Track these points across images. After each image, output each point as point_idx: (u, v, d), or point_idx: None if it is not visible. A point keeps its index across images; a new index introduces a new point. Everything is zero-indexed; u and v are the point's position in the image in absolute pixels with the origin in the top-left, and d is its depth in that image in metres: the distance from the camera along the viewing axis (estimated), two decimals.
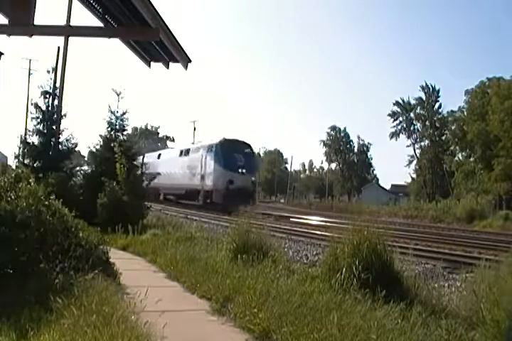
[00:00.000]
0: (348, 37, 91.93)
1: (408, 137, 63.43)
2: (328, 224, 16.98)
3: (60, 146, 13.94)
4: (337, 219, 18.51)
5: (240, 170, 27.79)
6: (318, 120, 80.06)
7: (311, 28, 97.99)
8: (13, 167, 14.00)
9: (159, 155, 38.66)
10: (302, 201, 65.94)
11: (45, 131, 13.86)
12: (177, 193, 33.08)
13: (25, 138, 14.14)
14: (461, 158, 51.37)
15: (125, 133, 15.85)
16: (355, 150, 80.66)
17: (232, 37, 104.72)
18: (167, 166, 34.16)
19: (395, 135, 64.16)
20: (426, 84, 58.01)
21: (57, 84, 14.06)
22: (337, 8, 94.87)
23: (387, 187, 77.63)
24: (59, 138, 13.94)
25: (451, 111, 54.82)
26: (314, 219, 22.62)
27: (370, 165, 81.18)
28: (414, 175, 63.88)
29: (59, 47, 14.10)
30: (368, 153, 79.88)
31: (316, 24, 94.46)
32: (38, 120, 13.96)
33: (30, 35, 14.60)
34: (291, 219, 22.57)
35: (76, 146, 14.65)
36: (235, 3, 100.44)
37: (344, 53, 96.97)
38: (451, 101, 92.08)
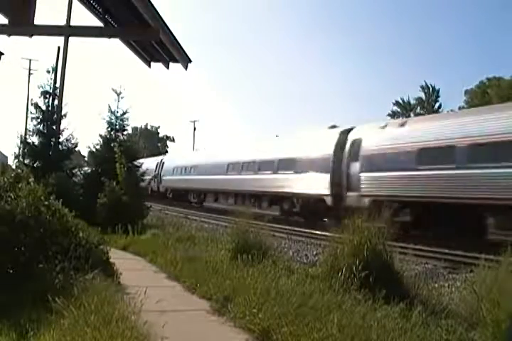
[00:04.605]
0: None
1: None
2: None
3: (60, 146, 13.98)
4: None
5: None
6: (318, 119, 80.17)
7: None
8: (13, 167, 14.03)
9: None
10: None
11: (45, 131, 13.90)
12: None
13: (25, 138, 14.19)
14: None
15: (125, 133, 15.91)
16: None
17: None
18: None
19: None
20: (426, 84, 57.93)
21: (57, 84, 14.09)
22: None
23: None
24: (59, 138, 13.97)
25: (451, 111, 54.89)
26: None
27: None
28: None
29: (59, 47, 14.14)
30: None
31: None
32: (38, 120, 14.00)
33: (30, 35, 14.65)
34: None
35: (76, 146, 14.72)
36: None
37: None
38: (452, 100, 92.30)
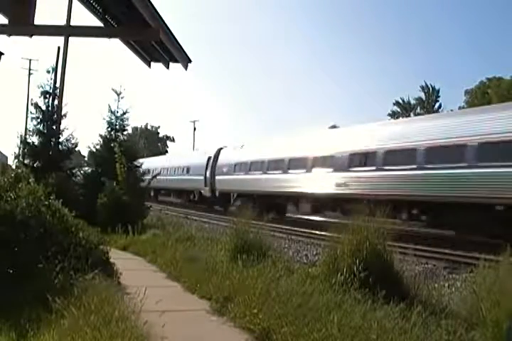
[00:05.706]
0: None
1: None
2: None
3: (60, 146, 13.94)
4: None
5: None
6: (318, 120, 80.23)
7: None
8: (13, 167, 14.00)
9: None
10: None
11: (45, 131, 13.85)
12: None
13: (25, 138, 14.14)
14: None
15: (125, 133, 15.89)
16: None
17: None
18: None
19: None
20: (426, 84, 57.90)
21: (57, 84, 14.07)
22: None
23: None
24: (59, 138, 13.94)
25: (451, 111, 54.78)
26: None
27: None
28: None
29: (59, 47, 14.10)
30: None
31: None
32: (38, 120, 13.95)
33: (30, 35, 14.65)
34: None
35: (76, 146, 14.65)
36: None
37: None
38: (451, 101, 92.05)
